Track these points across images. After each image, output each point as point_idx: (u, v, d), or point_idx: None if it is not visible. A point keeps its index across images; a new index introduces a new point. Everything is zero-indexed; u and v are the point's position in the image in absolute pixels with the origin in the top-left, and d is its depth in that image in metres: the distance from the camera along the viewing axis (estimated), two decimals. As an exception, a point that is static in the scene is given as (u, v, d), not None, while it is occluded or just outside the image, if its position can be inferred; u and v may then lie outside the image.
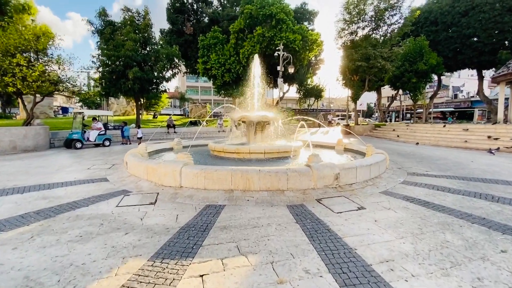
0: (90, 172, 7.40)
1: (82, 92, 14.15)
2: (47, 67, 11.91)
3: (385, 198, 5.10)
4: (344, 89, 33.07)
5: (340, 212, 4.33)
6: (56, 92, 13.47)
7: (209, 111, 53.49)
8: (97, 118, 13.75)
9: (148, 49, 18.17)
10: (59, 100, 54.78)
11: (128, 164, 7.04)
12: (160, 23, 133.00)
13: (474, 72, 48.14)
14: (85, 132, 12.97)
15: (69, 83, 12.66)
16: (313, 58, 33.62)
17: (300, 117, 16.28)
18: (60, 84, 12.21)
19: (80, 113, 13.06)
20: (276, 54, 21.04)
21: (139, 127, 15.30)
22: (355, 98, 25.64)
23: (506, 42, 23.64)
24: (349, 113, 36.73)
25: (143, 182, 6.06)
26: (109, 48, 15.51)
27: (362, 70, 21.79)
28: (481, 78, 29.65)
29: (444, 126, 16.15)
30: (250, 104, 11.41)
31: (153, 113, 39.19)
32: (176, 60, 19.91)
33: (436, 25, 27.39)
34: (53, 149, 12.87)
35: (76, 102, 49.97)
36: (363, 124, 29.34)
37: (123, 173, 7.08)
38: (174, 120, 22.17)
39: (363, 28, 22.58)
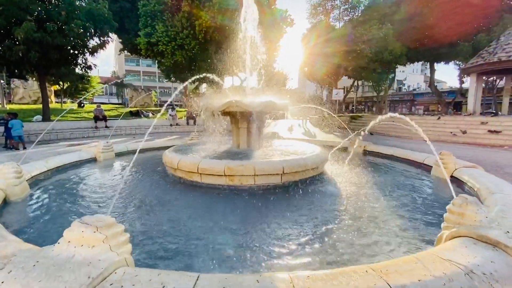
0: None
1: None
2: None
3: None
4: (310, 80, 30.88)
5: None
6: None
7: (154, 99, 45.84)
8: None
9: (54, -1, 11.72)
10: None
11: None
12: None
13: (405, 67, 51.31)
14: None
15: None
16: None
17: (307, 106, 12.77)
18: None
19: None
20: (243, 28, 16.86)
21: (12, 116, 9.23)
22: (328, 87, 23.37)
23: (464, 34, 24.08)
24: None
25: None
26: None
27: (339, 55, 19.35)
28: (433, 71, 30.82)
29: (439, 118, 14.72)
30: (226, 85, 7.21)
31: (78, 101, 30.58)
32: (105, 26, 13.68)
33: (401, 15, 26.95)
34: None
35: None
36: (339, 116, 27.48)
37: None
38: (106, 110, 16.21)
39: (339, 8, 20.05)
